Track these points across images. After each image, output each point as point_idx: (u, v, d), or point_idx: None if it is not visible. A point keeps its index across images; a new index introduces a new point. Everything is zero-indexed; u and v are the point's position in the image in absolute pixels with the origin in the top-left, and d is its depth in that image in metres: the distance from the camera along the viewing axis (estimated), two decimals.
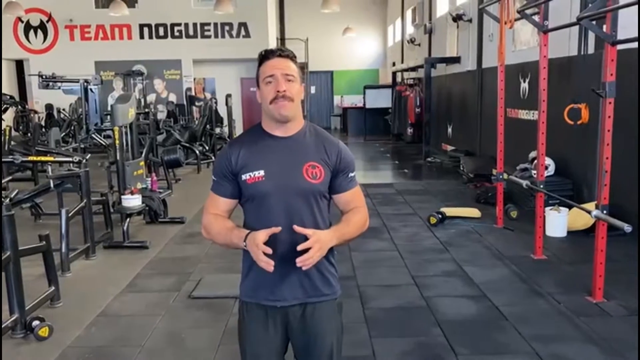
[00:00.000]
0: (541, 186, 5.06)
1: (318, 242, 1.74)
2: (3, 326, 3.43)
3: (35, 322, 3.57)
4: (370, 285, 4.47)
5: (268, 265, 1.71)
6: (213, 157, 11.22)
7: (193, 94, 15.80)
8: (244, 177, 1.86)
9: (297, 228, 1.76)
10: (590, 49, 6.16)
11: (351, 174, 1.95)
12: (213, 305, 4.10)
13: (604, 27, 3.90)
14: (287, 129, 1.88)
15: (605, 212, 3.89)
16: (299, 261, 1.72)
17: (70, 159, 5.69)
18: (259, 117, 1.97)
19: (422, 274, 4.73)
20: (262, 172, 1.84)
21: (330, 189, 1.92)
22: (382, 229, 6.19)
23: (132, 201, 5.72)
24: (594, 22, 4.10)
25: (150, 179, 6.88)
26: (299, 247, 1.73)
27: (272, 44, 16.81)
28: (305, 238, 1.74)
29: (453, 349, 3.36)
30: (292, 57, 1.87)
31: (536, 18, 5.16)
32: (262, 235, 1.73)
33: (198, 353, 3.39)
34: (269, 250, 1.72)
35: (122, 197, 5.75)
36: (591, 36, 6.07)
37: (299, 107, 1.89)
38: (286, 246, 1.81)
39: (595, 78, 5.62)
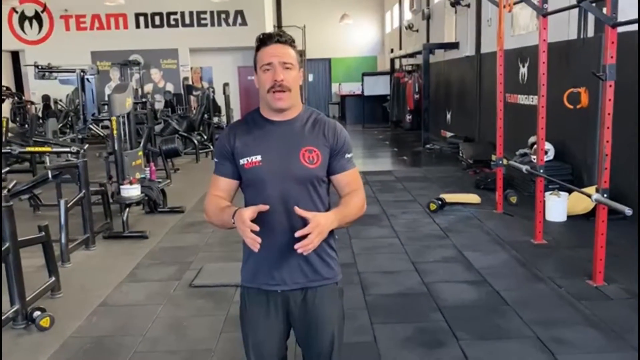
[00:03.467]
0: (541, 171, 5.04)
1: (318, 226, 1.70)
2: (4, 317, 3.44)
3: (37, 313, 3.57)
4: (371, 272, 4.47)
5: (254, 242, 1.67)
6: (211, 147, 11.19)
7: (190, 83, 15.71)
8: (242, 161, 1.85)
9: (297, 210, 1.73)
10: (590, 32, 6.12)
11: (348, 155, 1.92)
12: (214, 293, 4.10)
13: (604, 9, 3.87)
14: (285, 114, 1.87)
15: (605, 195, 3.88)
16: (298, 247, 1.68)
17: (68, 150, 5.67)
18: (256, 105, 1.95)
19: (423, 260, 4.73)
20: (259, 157, 1.83)
21: (330, 171, 1.90)
22: (382, 216, 6.19)
23: (131, 191, 5.71)
24: (594, 5, 4.06)
25: (148, 168, 6.87)
26: (297, 234, 1.69)
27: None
28: (305, 223, 1.71)
29: (454, 334, 3.37)
30: (290, 43, 1.84)
31: (535, 1, 5.12)
32: (249, 212, 1.70)
33: (199, 341, 3.40)
34: (256, 228, 1.68)
35: (121, 187, 5.75)
36: (591, 19, 6.02)
37: (297, 94, 1.86)
38: (284, 231, 1.81)
39: (594, 61, 5.60)
